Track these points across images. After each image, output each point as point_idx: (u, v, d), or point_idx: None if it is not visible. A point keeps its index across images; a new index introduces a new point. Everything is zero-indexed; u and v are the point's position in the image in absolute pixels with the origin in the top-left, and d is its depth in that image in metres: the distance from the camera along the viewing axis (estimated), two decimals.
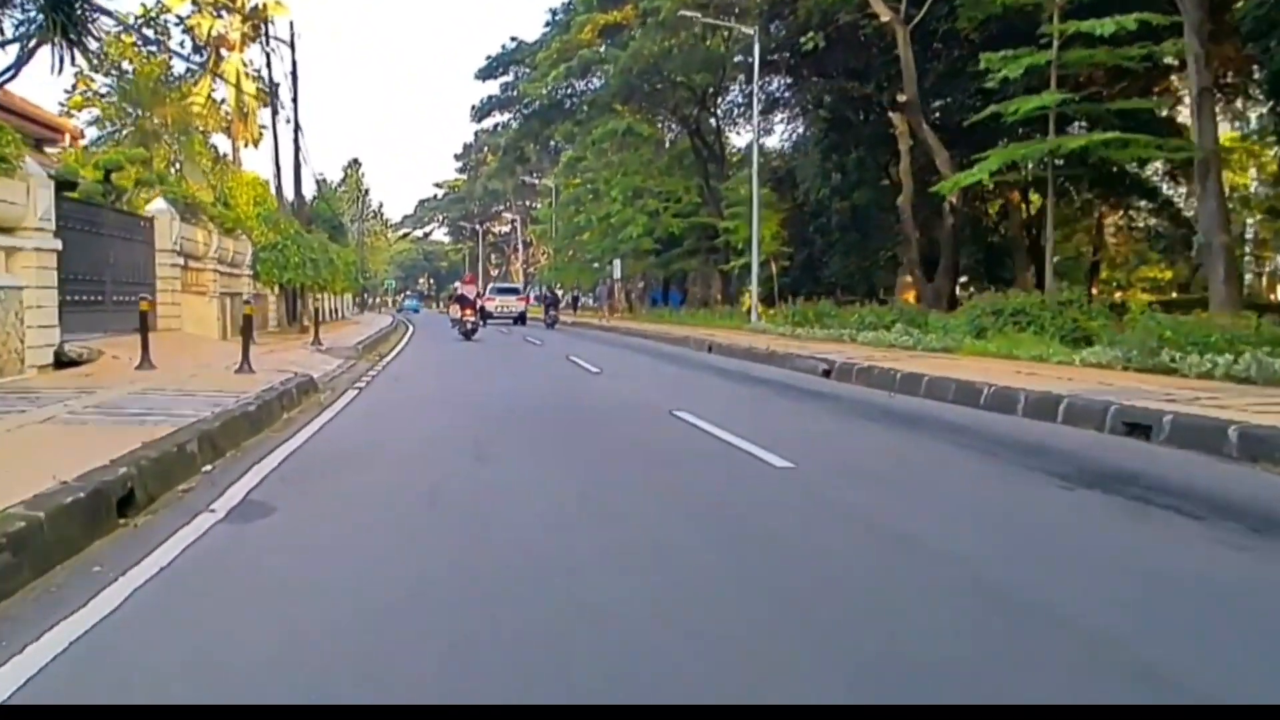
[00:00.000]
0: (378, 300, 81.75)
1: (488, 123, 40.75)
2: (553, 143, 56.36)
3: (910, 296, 34.27)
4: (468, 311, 22.21)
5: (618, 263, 41.17)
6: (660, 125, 35.85)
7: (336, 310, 38.62)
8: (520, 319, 34.96)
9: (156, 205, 15.35)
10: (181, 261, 16.10)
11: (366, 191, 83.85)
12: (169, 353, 12.32)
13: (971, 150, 26.55)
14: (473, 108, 41.01)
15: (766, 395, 10.47)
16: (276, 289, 19.88)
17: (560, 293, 60.39)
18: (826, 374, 12.33)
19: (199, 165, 24.22)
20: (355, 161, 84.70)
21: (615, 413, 8.86)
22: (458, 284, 24.10)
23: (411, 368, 14.83)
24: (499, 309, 34.65)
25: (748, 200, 32.08)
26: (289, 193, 24.60)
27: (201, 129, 29.29)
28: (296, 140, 22.34)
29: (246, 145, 34.24)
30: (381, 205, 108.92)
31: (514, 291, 39.84)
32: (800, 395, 10.22)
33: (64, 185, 14.40)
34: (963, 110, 26.47)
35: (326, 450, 6.40)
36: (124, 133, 24.63)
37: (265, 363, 11.89)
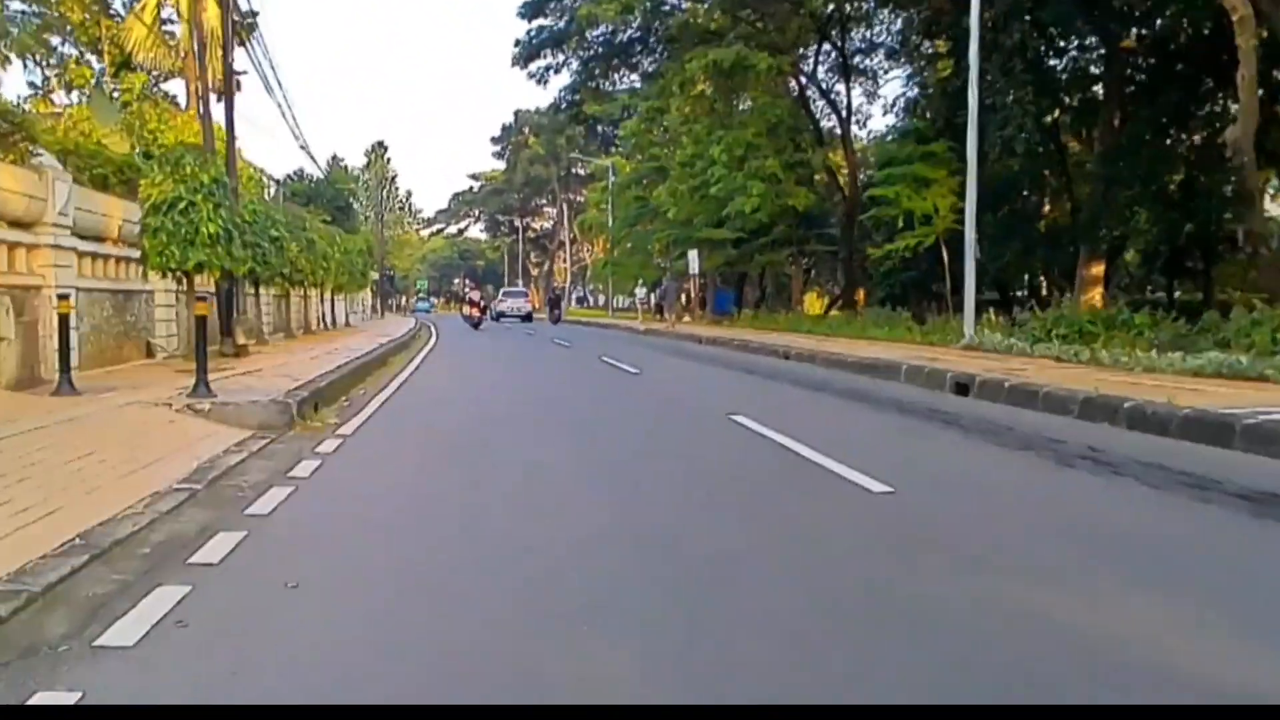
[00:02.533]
0: (407, 302, 73.68)
1: (535, 66, 31.20)
2: (599, 128, 47.98)
3: (1096, 296, 24.96)
4: (474, 310, 30.56)
5: (693, 254, 32.13)
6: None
7: (330, 315, 27.46)
8: (527, 317, 41.28)
9: None
10: None
11: (393, 178, 75.68)
12: None
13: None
14: (516, 43, 31.35)
15: None
16: (198, 279, 11.36)
17: (644, 291, 52.69)
18: None
19: (109, 98, 15.80)
20: (380, 145, 76.40)
21: None
22: (466, 289, 34.40)
23: (385, 485, 6.03)
24: (510, 309, 42.00)
25: (899, 160, 23.09)
26: (266, 147, 16.17)
27: (143, 64, 21.02)
28: (226, 37, 13.89)
29: (220, 98, 25.84)
30: (410, 194, 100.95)
31: (522, 294, 47.08)
32: None
33: None
34: None
35: None
36: None
37: None
